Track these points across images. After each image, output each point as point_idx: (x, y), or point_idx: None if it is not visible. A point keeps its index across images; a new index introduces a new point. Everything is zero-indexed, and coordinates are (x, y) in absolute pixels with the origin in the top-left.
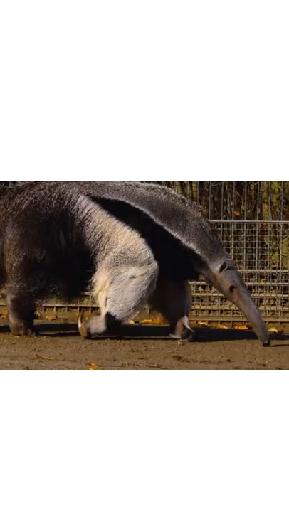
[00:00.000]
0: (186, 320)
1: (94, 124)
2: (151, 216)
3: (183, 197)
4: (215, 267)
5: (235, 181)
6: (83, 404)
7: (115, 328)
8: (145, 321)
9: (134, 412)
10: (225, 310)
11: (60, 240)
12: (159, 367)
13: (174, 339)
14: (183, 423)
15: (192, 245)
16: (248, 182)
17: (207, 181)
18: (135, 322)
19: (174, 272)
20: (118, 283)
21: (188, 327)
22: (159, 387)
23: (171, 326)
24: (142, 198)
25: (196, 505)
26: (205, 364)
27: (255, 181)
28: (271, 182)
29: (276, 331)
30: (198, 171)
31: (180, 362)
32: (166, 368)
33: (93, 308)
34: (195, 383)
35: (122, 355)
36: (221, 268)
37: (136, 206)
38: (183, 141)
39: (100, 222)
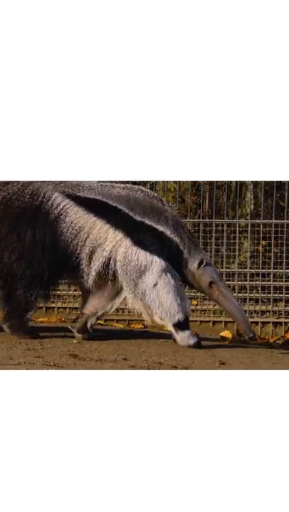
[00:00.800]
0: (92, 321)
1: (92, 124)
2: (130, 214)
3: (159, 196)
4: (193, 264)
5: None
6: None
7: (187, 327)
8: (41, 319)
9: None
10: (121, 308)
11: (30, 235)
12: (56, 365)
13: (71, 333)
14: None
15: (177, 239)
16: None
17: None
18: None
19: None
20: (153, 301)
21: (88, 327)
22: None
23: (77, 318)
24: (118, 196)
25: (173, 506)
26: (101, 363)
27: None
28: (167, 181)
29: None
30: (187, 171)
31: (76, 360)
32: (62, 367)
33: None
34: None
35: (18, 354)
36: (199, 265)
37: (114, 204)
38: (171, 141)
39: (77, 217)
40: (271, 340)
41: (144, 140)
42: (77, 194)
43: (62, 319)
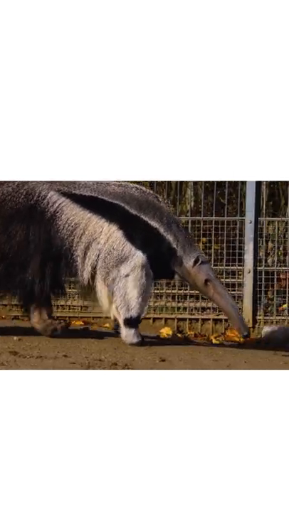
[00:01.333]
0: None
1: (91, 124)
2: (126, 207)
3: (155, 194)
4: (188, 262)
5: None
6: None
7: (136, 326)
8: None
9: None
10: (61, 305)
11: (24, 235)
12: None
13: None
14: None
15: (170, 237)
16: None
17: None
18: None
19: (153, 271)
20: (118, 289)
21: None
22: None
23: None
24: (114, 193)
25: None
26: (41, 360)
27: None
28: None
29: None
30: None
31: (16, 357)
32: (2, 364)
33: None
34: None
35: None
36: (195, 262)
37: (110, 200)
38: (170, 142)
39: (73, 214)
40: (211, 337)
41: (141, 140)
42: (73, 192)
43: (3, 316)
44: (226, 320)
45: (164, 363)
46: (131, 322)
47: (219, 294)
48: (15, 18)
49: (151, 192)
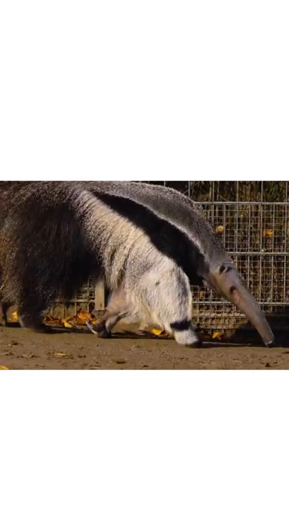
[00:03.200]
0: (112, 320)
1: (93, 123)
2: (155, 212)
3: (189, 198)
4: (215, 269)
5: None
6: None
7: (186, 327)
8: None
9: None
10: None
11: (56, 233)
12: None
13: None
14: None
15: (197, 243)
16: None
17: None
18: None
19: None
20: (153, 299)
21: (106, 325)
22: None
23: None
24: (146, 196)
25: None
26: None
27: None
28: None
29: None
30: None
31: None
32: None
33: None
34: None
35: None
36: (221, 270)
37: (139, 203)
38: (176, 142)
39: (102, 215)
40: (64, 321)
41: (142, 140)
42: (106, 192)
43: None
44: (78, 303)
45: (16, 346)
46: (177, 326)
47: (245, 302)
48: (16, 20)
49: (185, 197)
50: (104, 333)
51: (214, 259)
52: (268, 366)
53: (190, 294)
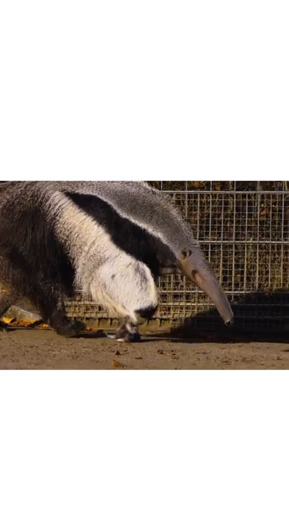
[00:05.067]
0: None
1: (93, 123)
2: (118, 211)
3: (154, 189)
4: (179, 256)
5: None
6: None
7: (150, 316)
8: None
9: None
10: None
11: (31, 238)
12: None
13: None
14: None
15: (159, 235)
16: None
17: None
18: None
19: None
20: (112, 291)
21: (128, 329)
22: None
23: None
24: (113, 191)
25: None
26: None
27: None
28: None
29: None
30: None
31: None
32: None
33: None
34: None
35: None
36: (184, 255)
37: (104, 200)
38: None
39: (70, 216)
40: None
41: (142, 140)
42: (76, 191)
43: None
44: None
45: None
46: (142, 312)
47: (206, 283)
48: (17, 21)
49: (150, 188)
50: (130, 336)
51: (177, 247)
52: (117, 354)
53: (151, 281)
